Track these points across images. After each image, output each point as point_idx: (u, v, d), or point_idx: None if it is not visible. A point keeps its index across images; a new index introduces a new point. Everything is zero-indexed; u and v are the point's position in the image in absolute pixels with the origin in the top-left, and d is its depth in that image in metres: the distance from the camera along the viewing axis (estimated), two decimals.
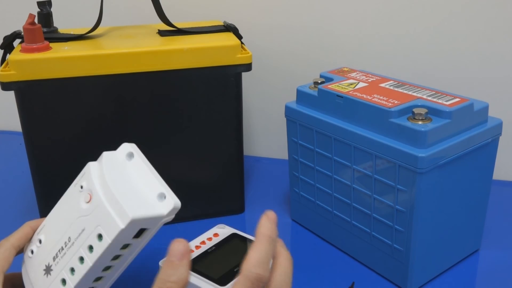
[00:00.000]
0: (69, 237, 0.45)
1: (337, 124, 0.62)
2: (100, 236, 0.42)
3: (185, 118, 0.71)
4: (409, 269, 0.60)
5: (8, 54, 0.70)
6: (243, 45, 0.72)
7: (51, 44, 0.68)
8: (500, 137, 0.62)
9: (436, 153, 0.55)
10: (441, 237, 0.61)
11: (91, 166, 0.47)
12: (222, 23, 0.79)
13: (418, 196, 0.55)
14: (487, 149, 0.61)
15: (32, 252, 0.48)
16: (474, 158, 0.59)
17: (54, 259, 0.46)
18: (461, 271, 0.64)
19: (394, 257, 0.61)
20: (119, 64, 0.66)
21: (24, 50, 0.65)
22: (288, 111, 0.69)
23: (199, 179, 0.75)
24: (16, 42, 0.72)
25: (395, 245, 0.60)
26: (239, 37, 0.74)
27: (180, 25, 0.76)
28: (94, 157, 0.70)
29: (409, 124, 0.56)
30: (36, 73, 0.64)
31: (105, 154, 0.48)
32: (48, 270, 0.46)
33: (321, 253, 0.69)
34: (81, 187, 0.46)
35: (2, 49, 0.71)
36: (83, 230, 0.44)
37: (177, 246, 0.40)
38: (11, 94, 0.66)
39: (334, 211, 0.67)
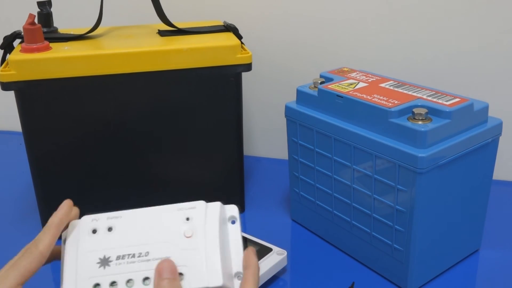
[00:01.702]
0: (148, 252, 0.42)
1: (337, 124, 0.62)
2: (180, 275, 0.41)
3: (185, 118, 0.71)
4: (409, 269, 0.60)
5: (8, 54, 0.70)
6: (243, 45, 0.72)
7: (51, 44, 0.68)
8: (500, 137, 0.62)
9: (436, 153, 0.55)
10: (441, 237, 0.61)
11: (205, 206, 0.44)
12: (222, 23, 0.79)
13: (418, 196, 0.55)
14: (487, 149, 0.61)
15: (94, 231, 0.43)
16: (474, 158, 0.59)
17: (118, 257, 0.42)
18: (461, 271, 0.64)
19: (394, 257, 0.61)
20: (119, 64, 0.66)
21: (24, 50, 0.65)
22: (288, 111, 0.69)
23: (199, 179, 0.75)
24: (16, 42, 0.72)
25: (395, 245, 0.60)
26: (239, 37, 0.74)
27: (180, 25, 0.76)
28: (94, 157, 0.71)
29: (409, 124, 0.56)
30: (36, 73, 0.64)
31: (219, 205, 0.45)
32: (104, 262, 0.42)
33: (321, 253, 0.69)
34: (187, 218, 0.43)
35: (2, 49, 0.71)
36: (165, 257, 0.41)
37: (166, 264, 0.40)
38: (11, 94, 0.66)
39: (334, 211, 0.67)
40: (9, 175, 0.93)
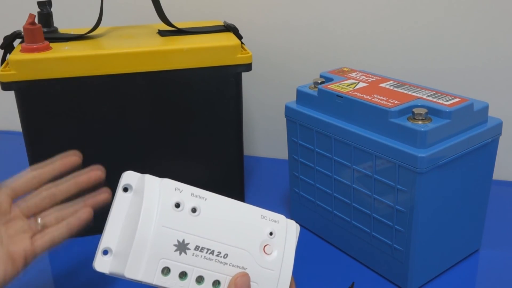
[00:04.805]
0: (227, 254, 0.40)
1: (337, 124, 0.62)
2: None
3: (185, 118, 0.71)
4: (409, 269, 0.60)
5: (8, 54, 0.70)
6: (243, 45, 0.72)
7: (51, 44, 0.68)
8: (500, 137, 0.62)
9: (436, 153, 0.55)
10: (441, 237, 0.61)
11: (286, 224, 0.43)
12: (222, 23, 0.79)
13: (418, 196, 0.55)
14: (487, 149, 0.61)
15: (177, 205, 0.40)
16: (474, 158, 0.59)
17: (197, 248, 0.39)
18: (461, 271, 0.64)
19: (394, 257, 0.61)
20: (119, 64, 0.66)
21: (24, 50, 0.65)
22: (288, 111, 0.69)
23: (199, 179, 0.75)
24: (16, 42, 0.72)
25: (395, 245, 0.60)
26: (239, 37, 0.74)
27: (180, 25, 0.76)
28: (94, 157, 0.71)
29: (409, 124, 0.56)
30: (36, 73, 0.64)
31: (295, 226, 0.45)
32: (182, 247, 0.39)
33: (321, 253, 0.69)
34: (271, 233, 0.42)
35: (2, 49, 0.71)
36: (242, 267, 0.40)
37: (246, 279, 0.40)
38: (11, 94, 0.66)
39: (334, 211, 0.67)
40: (9, 175, 0.93)
